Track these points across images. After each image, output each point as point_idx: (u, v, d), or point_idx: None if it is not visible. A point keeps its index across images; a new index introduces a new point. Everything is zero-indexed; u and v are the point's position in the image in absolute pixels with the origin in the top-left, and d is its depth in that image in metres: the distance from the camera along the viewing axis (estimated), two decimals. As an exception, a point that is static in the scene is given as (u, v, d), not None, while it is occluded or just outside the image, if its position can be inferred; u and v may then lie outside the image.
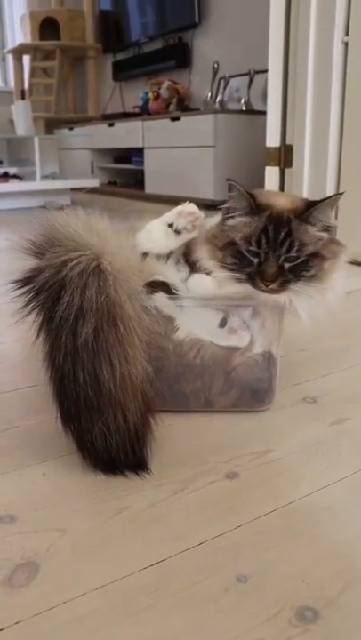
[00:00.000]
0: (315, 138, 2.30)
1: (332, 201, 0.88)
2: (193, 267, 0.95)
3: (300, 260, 0.88)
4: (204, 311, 0.93)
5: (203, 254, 0.93)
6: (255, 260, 0.88)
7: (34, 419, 0.99)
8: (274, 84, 2.43)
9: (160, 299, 0.90)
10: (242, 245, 0.88)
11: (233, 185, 0.90)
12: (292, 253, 0.87)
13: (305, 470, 0.84)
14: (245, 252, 0.88)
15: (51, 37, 5.67)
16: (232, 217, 0.91)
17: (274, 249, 0.87)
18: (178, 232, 0.95)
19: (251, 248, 0.88)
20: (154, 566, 0.65)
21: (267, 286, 0.87)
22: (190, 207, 0.96)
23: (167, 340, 0.92)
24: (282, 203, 0.91)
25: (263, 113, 2.58)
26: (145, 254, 0.94)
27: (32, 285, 0.81)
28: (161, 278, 0.92)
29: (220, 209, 0.95)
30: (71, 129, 5.47)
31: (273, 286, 0.87)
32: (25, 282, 0.82)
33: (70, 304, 0.77)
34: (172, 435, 0.93)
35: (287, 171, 2.46)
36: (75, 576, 0.64)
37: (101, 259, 0.81)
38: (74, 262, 0.79)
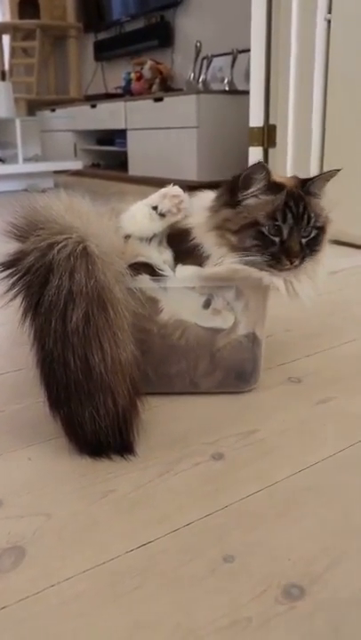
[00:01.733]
0: (298, 117, 2.28)
1: (327, 175, 0.90)
2: (178, 252, 0.94)
3: (312, 234, 0.90)
4: (188, 292, 0.93)
5: (208, 240, 0.91)
6: (277, 239, 0.88)
7: (20, 403, 0.98)
8: (256, 64, 2.41)
9: (144, 280, 0.89)
10: (265, 222, 0.88)
11: (263, 166, 0.89)
12: (310, 226, 0.89)
13: (290, 450, 0.85)
14: (267, 233, 0.88)
15: (30, 16, 5.57)
16: (253, 196, 0.89)
17: (297, 223, 0.88)
18: (162, 215, 0.94)
19: (276, 223, 0.88)
20: (140, 548, 0.65)
21: (292, 263, 0.88)
22: (175, 190, 0.95)
23: (151, 321, 0.91)
24: (285, 180, 0.92)
25: (246, 93, 2.56)
26: (127, 236, 0.93)
27: (17, 269, 0.80)
28: (144, 260, 0.92)
29: (216, 190, 0.95)
30: (53, 110, 5.40)
31: (297, 262, 0.88)
32: (9, 265, 0.81)
33: (59, 288, 0.77)
34: (158, 417, 0.93)
35: (271, 150, 2.44)
36: (61, 560, 0.64)
37: (87, 241, 0.80)
38: (60, 245, 0.78)
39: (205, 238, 0.91)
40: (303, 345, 1.22)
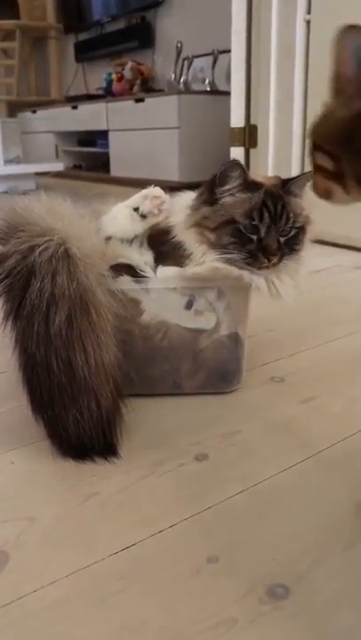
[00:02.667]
0: (279, 118, 2.29)
1: (308, 175, 0.90)
2: (158, 254, 0.94)
3: (292, 233, 0.90)
4: (170, 293, 0.92)
5: (188, 238, 0.91)
6: (255, 237, 0.88)
7: (2, 406, 0.98)
8: (237, 64, 2.41)
9: (125, 282, 0.89)
10: (242, 221, 0.88)
11: (237, 163, 0.89)
12: (289, 226, 0.89)
13: (274, 450, 0.85)
14: (244, 230, 0.88)
15: (9, 17, 5.53)
16: (230, 194, 0.90)
17: (275, 221, 0.88)
18: (143, 216, 0.94)
19: (253, 223, 0.88)
20: (124, 551, 0.65)
21: (270, 261, 0.88)
22: (156, 191, 0.94)
23: (133, 323, 0.91)
24: (264, 179, 0.93)
25: (228, 93, 2.57)
26: (109, 238, 0.93)
27: None
28: (125, 261, 0.91)
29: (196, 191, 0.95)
30: (34, 112, 5.37)
31: (275, 260, 0.88)
32: None
33: (42, 291, 0.76)
34: (141, 419, 0.93)
35: (252, 151, 2.45)
36: (45, 564, 0.64)
37: (68, 243, 0.80)
38: (42, 247, 0.78)
39: (185, 236, 0.91)
40: (286, 344, 1.23)
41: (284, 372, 1.10)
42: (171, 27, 4.34)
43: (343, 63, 0.54)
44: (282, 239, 0.89)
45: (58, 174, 4.28)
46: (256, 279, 0.90)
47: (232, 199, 0.90)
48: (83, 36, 5.44)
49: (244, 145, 2.46)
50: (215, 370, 0.99)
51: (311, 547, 0.65)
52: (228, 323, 0.95)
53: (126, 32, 4.75)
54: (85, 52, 5.39)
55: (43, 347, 0.77)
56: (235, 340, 0.98)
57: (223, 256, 0.88)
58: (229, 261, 0.88)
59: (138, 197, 0.94)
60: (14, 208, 0.86)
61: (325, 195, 0.63)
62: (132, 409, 0.90)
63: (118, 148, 4.31)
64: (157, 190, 0.95)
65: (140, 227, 0.94)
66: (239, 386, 1.02)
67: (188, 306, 0.93)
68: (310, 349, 1.21)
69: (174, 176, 3.68)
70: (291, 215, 0.89)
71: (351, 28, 0.52)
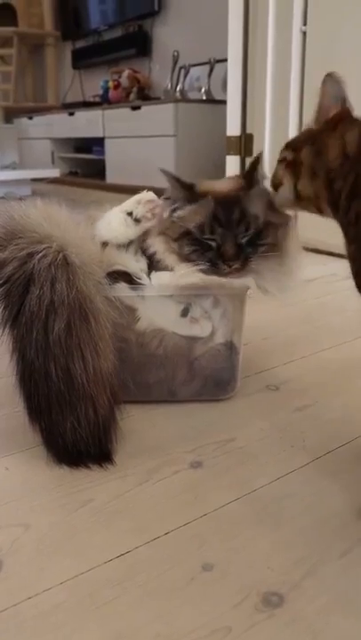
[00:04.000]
0: (275, 127, 2.30)
1: (255, 162, 0.92)
2: (151, 260, 0.94)
3: (250, 233, 0.89)
4: (166, 301, 0.93)
5: (159, 247, 0.92)
6: (214, 244, 0.89)
7: (-4, 413, 0.97)
8: (233, 74, 2.43)
9: (122, 289, 0.89)
10: (197, 234, 0.89)
11: (167, 174, 0.90)
12: (250, 230, 0.89)
13: (268, 458, 0.85)
14: (202, 239, 0.89)
15: (7, 24, 5.55)
16: (179, 208, 0.91)
17: (230, 229, 0.88)
18: (137, 220, 0.94)
19: (205, 237, 0.88)
20: (119, 558, 0.65)
21: (230, 267, 0.88)
22: (149, 195, 0.95)
23: (129, 330, 0.91)
24: (224, 185, 0.93)
25: (224, 102, 2.58)
26: (105, 244, 0.93)
27: None
28: (122, 268, 0.92)
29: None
30: (31, 118, 5.38)
31: (237, 265, 0.88)
32: None
33: (41, 298, 0.76)
34: (136, 425, 0.93)
35: (248, 159, 2.46)
36: (40, 571, 0.64)
37: (67, 251, 0.80)
38: (40, 254, 0.78)
39: (155, 244, 0.92)
40: (281, 353, 1.23)
41: (280, 380, 1.10)
42: (167, 35, 4.36)
43: (324, 98, 0.75)
44: (243, 240, 0.89)
45: (54, 180, 4.28)
46: (239, 282, 0.90)
47: (183, 212, 0.91)
48: (80, 44, 5.46)
49: (240, 153, 2.48)
50: (211, 378, 0.99)
51: (306, 555, 0.65)
52: (223, 331, 0.96)
53: (123, 40, 4.77)
54: (82, 60, 5.41)
55: (41, 354, 0.77)
56: (230, 348, 0.98)
57: (195, 268, 0.88)
58: (202, 272, 0.89)
59: (131, 202, 0.95)
60: (11, 214, 0.86)
61: (278, 184, 0.80)
62: (128, 415, 0.90)
63: (114, 155, 4.32)
64: (150, 195, 0.95)
65: (134, 231, 0.94)
66: (234, 393, 1.03)
67: (184, 313, 0.93)
68: (305, 357, 1.21)
69: (170, 184, 3.69)
70: (250, 218, 0.89)
71: (329, 75, 0.75)
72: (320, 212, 0.76)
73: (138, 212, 0.94)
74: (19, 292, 0.77)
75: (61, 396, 0.78)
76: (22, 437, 0.87)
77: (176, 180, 0.91)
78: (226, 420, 0.96)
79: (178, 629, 0.56)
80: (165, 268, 0.91)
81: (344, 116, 0.73)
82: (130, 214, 0.94)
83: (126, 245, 0.94)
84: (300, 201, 0.78)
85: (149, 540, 0.68)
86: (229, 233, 0.88)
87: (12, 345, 0.80)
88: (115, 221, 0.94)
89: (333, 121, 0.73)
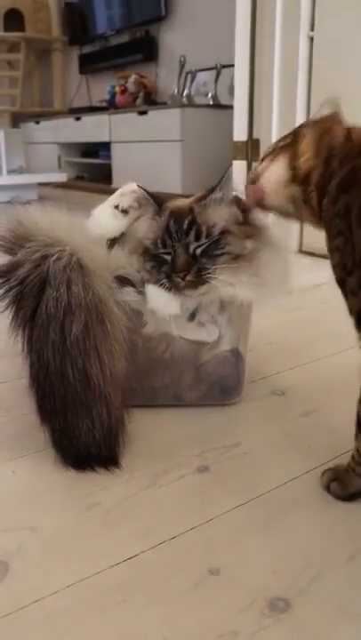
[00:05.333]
0: (281, 132, 2.29)
1: (225, 175, 0.91)
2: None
3: (208, 241, 0.86)
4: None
5: (137, 265, 0.92)
6: (168, 258, 0.87)
7: (3, 416, 0.98)
8: (240, 79, 2.44)
9: (129, 293, 0.89)
10: (153, 249, 0.89)
11: (139, 190, 0.91)
12: (202, 239, 0.86)
13: (274, 462, 0.85)
14: (158, 254, 0.88)
15: (15, 29, 5.57)
16: (146, 221, 0.92)
17: (179, 240, 0.87)
18: (125, 211, 0.95)
19: (159, 251, 0.88)
20: (126, 562, 0.65)
21: (183, 279, 0.85)
22: (132, 186, 0.97)
23: (136, 334, 0.92)
24: (185, 201, 0.93)
25: (230, 107, 2.58)
26: (111, 245, 0.94)
27: (10, 280, 0.79)
28: (126, 274, 0.92)
29: None
30: (37, 123, 5.40)
31: (190, 277, 0.85)
32: (1, 276, 0.81)
33: (58, 300, 0.77)
34: (142, 429, 0.93)
35: (255, 164, 2.46)
36: (46, 574, 0.64)
37: (80, 254, 0.81)
38: (55, 257, 0.79)
39: (133, 263, 0.92)
40: (286, 358, 1.23)
41: (285, 385, 1.10)
42: (174, 41, 4.37)
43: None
44: (198, 250, 0.86)
45: (60, 185, 4.30)
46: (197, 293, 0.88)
47: (144, 227, 0.91)
48: (87, 49, 5.48)
49: (246, 158, 2.48)
50: (216, 383, 1.00)
51: (313, 560, 0.65)
52: (229, 337, 0.96)
53: (130, 45, 4.78)
54: (89, 65, 5.43)
55: (58, 355, 0.77)
56: (236, 355, 0.98)
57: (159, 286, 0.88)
58: (163, 288, 0.88)
59: (116, 195, 0.97)
60: (19, 219, 0.87)
61: (254, 179, 0.81)
62: (134, 419, 0.90)
63: (121, 160, 4.33)
64: (133, 185, 0.97)
65: (123, 223, 0.95)
66: (240, 398, 1.03)
67: (191, 318, 0.93)
68: (311, 363, 1.21)
69: (177, 189, 3.69)
70: (202, 227, 0.86)
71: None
72: (305, 196, 0.75)
73: (124, 203, 0.95)
74: (33, 293, 0.78)
75: (78, 398, 0.79)
76: (29, 440, 0.87)
77: (146, 194, 0.92)
78: (232, 425, 0.96)
79: (184, 633, 0.56)
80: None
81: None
82: (117, 207, 0.95)
83: (122, 243, 0.95)
84: (293, 182, 0.76)
85: (156, 544, 0.68)
86: (179, 244, 0.86)
87: (27, 346, 0.80)
88: (104, 217, 0.96)
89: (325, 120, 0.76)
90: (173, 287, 0.87)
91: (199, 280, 0.86)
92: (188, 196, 0.96)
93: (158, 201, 0.92)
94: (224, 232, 0.87)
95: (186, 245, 0.86)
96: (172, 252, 0.87)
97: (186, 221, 0.87)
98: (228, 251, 0.87)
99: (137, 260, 0.92)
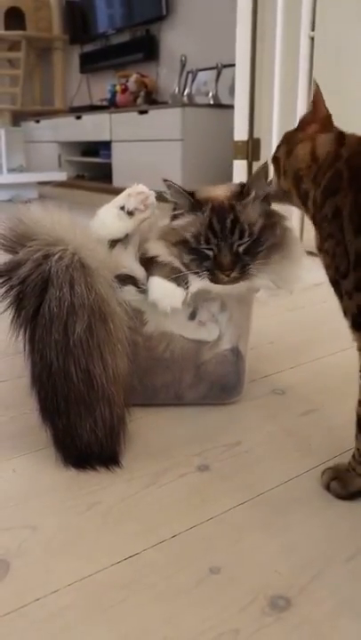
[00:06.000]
0: (282, 131, 2.28)
1: (260, 171, 0.90)
2: (150, 262, 0.94)
3: (246, 242, 0.87)
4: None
5: (161, 251, 0.91)
6: (211, 254, 0.88)
7: (3, 415, 0.98)
8: (241, 78, 2.44)
9: (130, 292, 0.89)
10: (194, 243, 0.88)
11: (170, 185, 0.90)
12: (245, 238, 0.87)
13: (275, 461, 0.85)
14: (199, 248, 0.88)
15: (16, 27, 5.57)
16: (177, 216, 0.90)
17: (225, 239, 0.87)
18: (130, 213, 0.94)
19: (202, 247, 0.88)
20: (127, 560, 0.65)
21: (228, 276, 0.87)
22: (139, 187, 0.96)
23: (136, 333, 0.92)
24: (221, 192, 0.92)
25: (231, 107, 2.59)
26: (112, 245, 0.94)
27: (12, 278, 0.79)
28: (128, 272, 0.92)
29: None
30: (38, 121, 5.40)
31: (234, 274, 0.87)
32: (2, 275, 0.80)
33: (61, 300, 0.77)
34: (143, 428, 0.93)
35: (255, 164, 2.47)
36: (47, 573, 0.64)
37: (82, 253, 0.80)
38: (56, 256, 0.79)
39: (156, 248, 0.91)
40: (287, 357, 1.23)
41: (285, 385, 1.10)
42: (175, 40, 4.37)
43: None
44: (240, 249, 0.87)
45: (60, 184, 4.30)
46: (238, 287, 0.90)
47: (180, 222, 0.90)
48: (88, 48, 5.48)
49: (247, 158, 2.48)
50: (217, 382, 1.00)
51: (313, 558, 0.65)
52: (230, 336, 0.96)
53: (131, 44, 4.78)
54: (90, 64, 5.43)
55: (61, 355, 0.77)
56: (236, 354, 0.98)
57: (196, 277, 0.88)
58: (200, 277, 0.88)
59: (122, 196, 0.96)
60: (20, 218, 0.87)
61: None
62: (134, 418, 0.90)
63: (121, 159, 4.33)
64: (141, 187, 0.96)
65: (128, 224, 0.95)
66: (240, 397, 1.03)
67: (192, 317, 0.93)
68: (311, 362, 1.21)
69: (177, 187, 3.69)
70: (245, 226, 0.87)
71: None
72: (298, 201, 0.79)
73: (130, 205, 0.94)
74: (35, 293, 0.78)
75: (81, 397, 0.79)
76: (30, 439, 0.87)
77: (179, 188, 0.91)
78: (232, 424, 0.96)
79: (185, 632, 0.56)
80: (161, 272, 0.91)
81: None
82: (122, 208, 0.95)
83: (125, 244, 0.95)
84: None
85: (156, 542, 0.68)
86: (224, 243, 0.87)
87: (29, 346, 0.80)
88: (108, 217, 0.95)
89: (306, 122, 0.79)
90: (216, 282, 0.88)
91: (242, 276, 0.88)
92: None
93: (188, 193, 0.91)
94: (263, 228, 0.89)
95: (230, 245, 0.87)
96: (216, 249, 0.87)
97: (229, 220, 0.87)
98: (268, 244, 0.89)
99: (164, 246, 0.91)
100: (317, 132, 0.77)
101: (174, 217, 0.92)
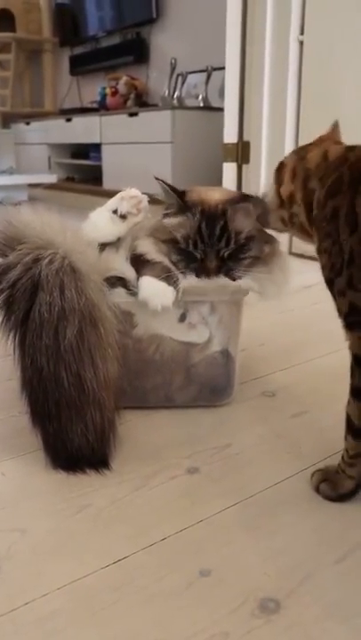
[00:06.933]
0: (271, 134, 2.31)
1: (264, 202, 0.89)
2: (140, 262, 0.94)
3: (235, 247, 0.89)
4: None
5: (149, 248, 0.92)
6: (198, 256, 0.89)
7: (-8, 418, 0.97)
8: (231, 81, 2.44)
9: (120, 294, 0.89)
10: (183, 244, 0.89)
11: (161, 184, 0.90)
12: (231, 245, 0.89)
13: (265, 464, 0.85)
14: (188, 250, 0.89)
15: (5, 29, 5.55)
16: (167, 215, 0.91)
17: (211, 245, 0.89)
18: (123, 217, 0.95)
19: (190, 250, 0.89)
20: (116, 563, 0.65)
21: (211, 278, 0.89)
22: (132, 191, 0.96)
23: (126, 336, 0.91)
24: (216, 196, 0.93)
25: (221, 109, 2.59)
26: (102, 248, 0.94)
27: (0, 282, 0.79)
28: (118, 274, 0.92)
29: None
30: (28, 124, 5.38)
31: (218, 277, 0.89)
32: None
33: (51, 305, 0.77)
34: (133, 431, 0.93)
35: (245, 167, 2.47)
36: (36, 576, 0.64)
37: (72, 257, 0.80)
38: (47, 260, 0.78)
39: (145, 245, 0.92)
40: (277, 359, 1.23)
41: (276, 387, 1.11)
42: (165, 43, 4.37)
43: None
44: (225, 254, 0.89)
45: (50, 186, 4.29)
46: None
47: (173, 220, 0.91)
48: (78, 50, 5.47)
49: (236, 161, 2.49)
50: (207, 384, 1.00)
51: (302, 561, 0.66)
52: (220, 338, 0.96)
53: (121, 47, 4.78)
54: (80, 66, 5.42)
55: (52, 360, 0.77)
56: (226, 356, 0.98)
57: (182, 275, 0.90)
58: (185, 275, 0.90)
59: (115, 199, 0.96)
60: (10, 220, 0.87)
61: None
62: (125, 421, 0.90)
63: (111, 162, 4.33)
64: (134, 191, 0.96)
65: (121, 228, 0.95)
66: (230, 399, 1.03)
67: (182, 319, 0.93)
68: (301, 364, 1.21)
69: (167, 190, 3.69)
70: (232, 234, 0.89)
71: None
72: (291, 217, 0.81)
73: (123, 209, 0.94)
74: (25, 297, 0.77)
75: (72, 402, 0.78)
76: (19, 442, 0.87)
77: (169, 188, 0.92)
78: (222, 426, 0.96)
79: (175, 634, 0.56)
80: (152, 271, 0.91)
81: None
82: (115, 212, 0.95)
83: (117, 246, 0.95)
84: (280, 207, 0.82)
85: (146, 545, 0.68)
86: (211, 249, 0.89)
87: (19, 350, 0.79)
88: (101, 221, 0.95)
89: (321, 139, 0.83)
90: (200, 278, 0.90)
91: (227, 277, 0.90)
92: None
93: (178, 193, 0.92)
94: (249, 238, 0.91)
95: (217, 251, 0.89)
96: (203, 253, 0.89)
97: (218, 227, 0.89)
98: (250, 255, 0.91)
99: (153, 242, 0.92)
100: (331, 144, 0.80)
101: (166, 215, 0.92)
